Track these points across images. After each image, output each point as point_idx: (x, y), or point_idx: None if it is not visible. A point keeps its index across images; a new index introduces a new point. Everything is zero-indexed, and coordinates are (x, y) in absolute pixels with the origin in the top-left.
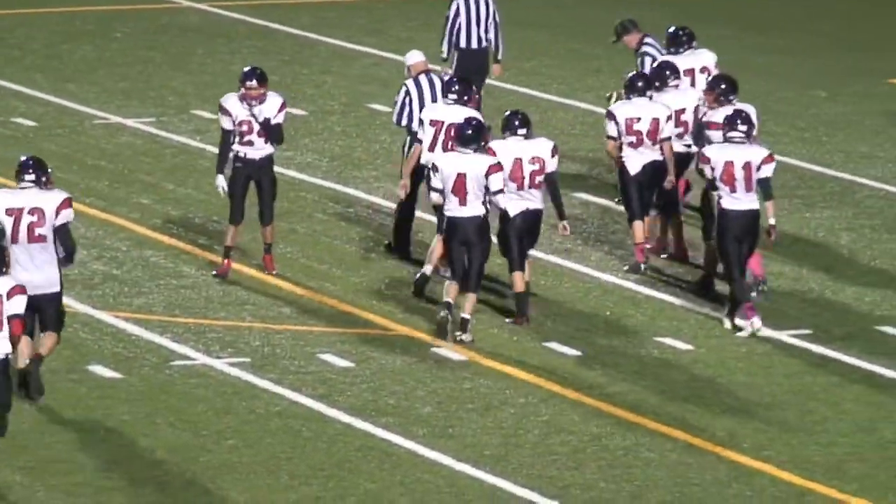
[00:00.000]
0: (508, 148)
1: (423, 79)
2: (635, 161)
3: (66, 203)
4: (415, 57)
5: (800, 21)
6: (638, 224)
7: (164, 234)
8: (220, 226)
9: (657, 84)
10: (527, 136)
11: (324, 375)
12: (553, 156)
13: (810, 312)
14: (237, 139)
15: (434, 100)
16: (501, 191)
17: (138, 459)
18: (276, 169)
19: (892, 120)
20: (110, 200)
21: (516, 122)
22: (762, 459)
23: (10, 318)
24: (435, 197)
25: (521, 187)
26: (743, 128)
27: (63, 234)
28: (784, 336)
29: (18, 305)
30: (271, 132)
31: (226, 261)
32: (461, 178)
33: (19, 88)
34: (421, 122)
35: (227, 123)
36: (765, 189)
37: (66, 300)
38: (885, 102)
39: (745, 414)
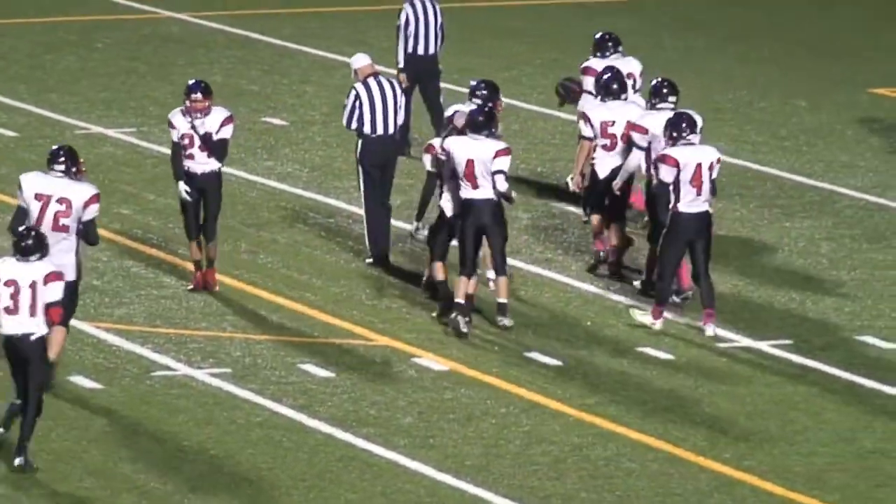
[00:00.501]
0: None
1: (371, 81)
2: (606, 164)
3: (95, 198)
4: (361, 60)
5: (780, 30)
6: (597, 217)
7: (145, 244)
8: None
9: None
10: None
11: (305, 386)
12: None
13: (791, 322)
14: (183, 153)
15: (384, 101)
16: (502, 171)
17: (119, 470)
18: (258, 179)
19: (873, 130)
20: None
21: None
22: (743, 469)
23: (47, 306)
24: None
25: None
26: (696, 130)
27: (88, 229)
28: (764, 346)
29: (55, 292)
30: (213, 147)
31: (198, 273)
32: (470, 164)
33: (2, 99)
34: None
35: (174, 136)
36: (714, 190)
37: None
38: (866, 112)
39: (727, 424)
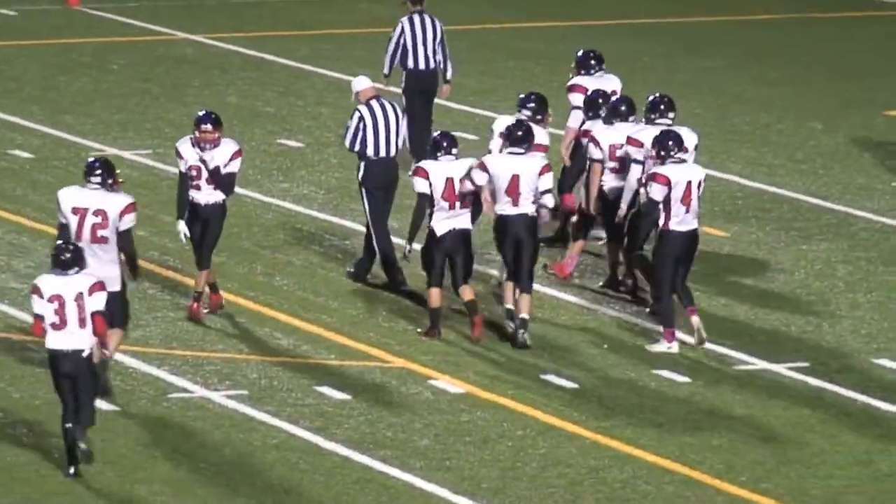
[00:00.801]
0: (440, 168)
1: (374, 103)
2: (615, 187)
3: (131, 207)
4: (363, 83)
5: (795, 53)
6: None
7: (162, 266)
8: (218, 258)
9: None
10: (457, 157)
11: (321, 408)
12: None
13: (807, 345)
14: (189, 183)
15: (387, 124)
16: (550, 190)
17: (136, 492)
18: (274, 201)
19: (889, 152)
20: None
21: (446, 143)
22: (760, 492)
23: (93, 315)
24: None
25: (452, 207)
26: (684, 147)
27: (125, 240)
28: (781, 369)
29: (99, 302)
30: (220, 180)
31: (193, 303)
32: (515, 179)
33: (16, 120)
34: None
35: (182, 166)
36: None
37: None
38: (882, 134)
39: (743, 446)
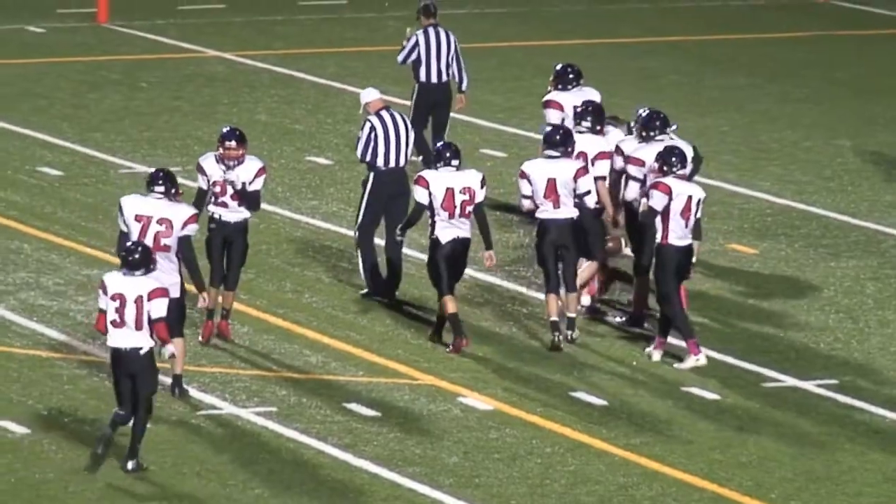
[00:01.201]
0: (441, 178)
1: (385, 114)
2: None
3: (194, 218)
4: (371, 94)
5: (821, 69)
6: None
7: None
8: (247, 275)
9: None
10: (458, 168)
11: (350, 425)
12: (482, 187)
13: (836, 362)
14: (212, 200)
15: (397, 134)
16: (589, 192)
17: None
18: (303, 218)
19: None
20: None
21: (448, 154)
22: None
23: (153, 321)
24: (526, 204)
25: (451, 216)
26: (687, 163)
27: (183, 244)
28: (810, 386)
29: (160, 308)
30: (247, 198)
31: (208, 323)
32: (552, 183)
33: (45, 137)
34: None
35: (202, 183)
36: (697, 226)
37: (93, 349)
38: None
39: (772, 464)
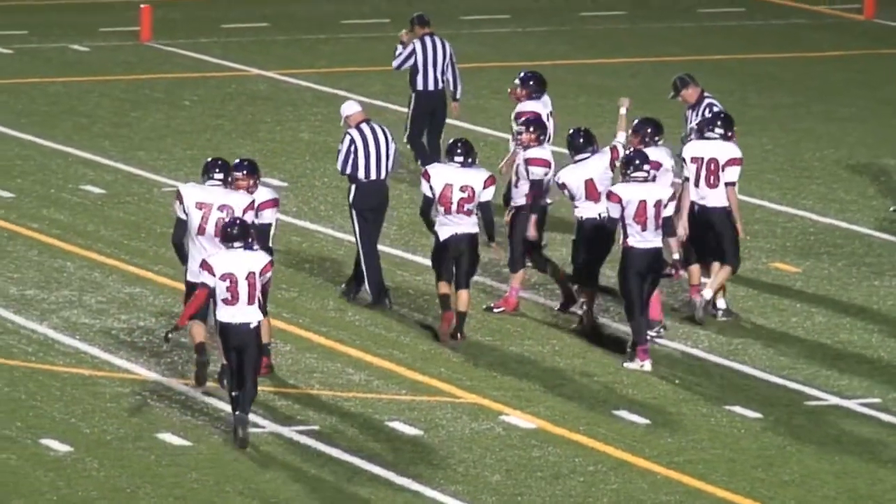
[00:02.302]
0: (443, 173)
1: (365, 127)
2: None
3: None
4: (352, 107)
5: (865, 89)
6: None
7: None
8: (290, 293)
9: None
10: (463, 164)
11: (392, 444)
12: (485, 187)
13: (879, 381)
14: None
15: (377, 147)
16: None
17: None
18: (346, 237)
19: None
20: (179, 268)
21: (456, 150)
22: None
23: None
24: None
25: (448, 212)
26: (646, 167)
27: (262, 236)
28: (853, 405)
29: (267, 280)
30: (256, 232)
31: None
32: (590, 183)
33: (89, 156)
34: (683, 159)
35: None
36: (668, 227)
37: (135, 368)
38: None
39: (815, 482)
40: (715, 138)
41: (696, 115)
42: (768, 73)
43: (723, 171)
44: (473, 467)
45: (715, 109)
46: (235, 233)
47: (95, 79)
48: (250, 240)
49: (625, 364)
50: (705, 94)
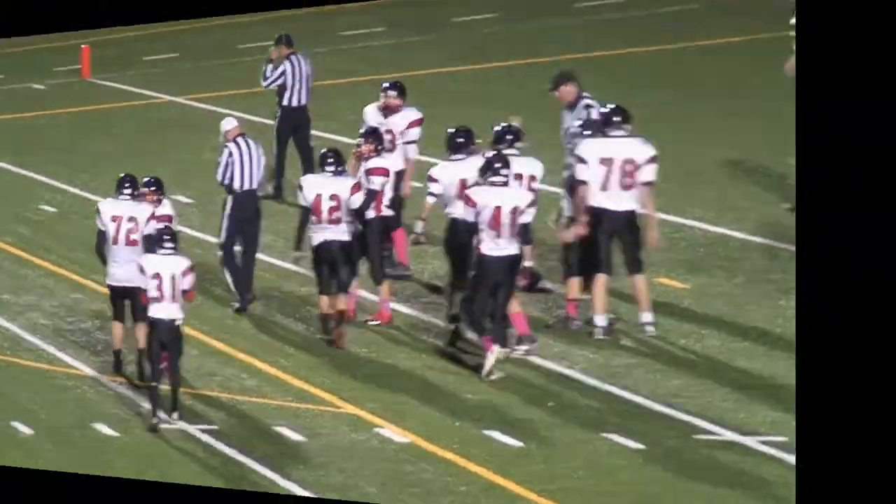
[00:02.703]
0: (313, 183)
1: (241, 140)
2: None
3: (357, 187)
4: (230, 123)
5: (767, 78)
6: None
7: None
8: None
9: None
10: (335, 173)
11: (279, 447)
12: (352, 194)
13: (785, 416)
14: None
15: (251, 159)
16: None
17: None
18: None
19: None
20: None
21: (328, 159)
22: None
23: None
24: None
25: (319, 220)
26: (505, 171)
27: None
28: (753, 442)
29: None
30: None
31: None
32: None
33: (45, 179)
34: (582, 160)
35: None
36: (526, 234)
37: (78, 364)
38: None
39: None
40: (622, 136)
41: (573, 116)
42: (657, 68)
43: (639, 171)
44: (351, 477)
45: (593, 112)
46: (165, 238)
47: (51, 112)
48: (175, 245)
49: (465, 330)
50: (584, 94)
